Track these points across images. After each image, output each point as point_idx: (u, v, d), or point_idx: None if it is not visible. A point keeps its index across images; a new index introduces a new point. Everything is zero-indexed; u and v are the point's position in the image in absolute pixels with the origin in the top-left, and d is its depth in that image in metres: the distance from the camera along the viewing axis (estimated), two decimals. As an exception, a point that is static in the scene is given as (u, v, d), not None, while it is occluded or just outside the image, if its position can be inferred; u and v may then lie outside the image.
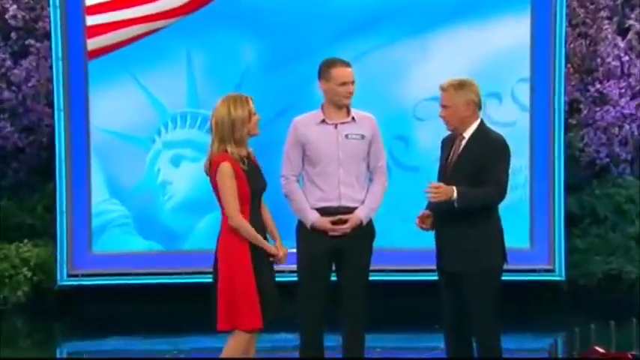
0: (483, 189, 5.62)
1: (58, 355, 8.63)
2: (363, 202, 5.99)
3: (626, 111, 10.19)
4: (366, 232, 6.01)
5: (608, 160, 10.24)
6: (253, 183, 5.59)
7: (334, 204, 5.95)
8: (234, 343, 5.58)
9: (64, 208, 9.50)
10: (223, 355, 5.60)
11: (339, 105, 5.98)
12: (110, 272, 9.53)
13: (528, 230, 9.45)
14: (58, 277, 9.54)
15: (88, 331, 9.17)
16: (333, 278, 6.08)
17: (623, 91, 10.25)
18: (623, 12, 10.50)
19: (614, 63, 10.25)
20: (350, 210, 5.95)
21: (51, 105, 9.79)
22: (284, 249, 5.71)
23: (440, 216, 5.74)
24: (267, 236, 5.72)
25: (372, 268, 6.08)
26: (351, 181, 5.97)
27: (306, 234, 5.96)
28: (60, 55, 9.45)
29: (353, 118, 6.01)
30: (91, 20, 9.15)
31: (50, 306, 9.67)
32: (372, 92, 8.67)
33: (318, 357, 6.04)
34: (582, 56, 10.37)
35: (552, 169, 9.45)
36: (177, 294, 9.32)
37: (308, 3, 9.54)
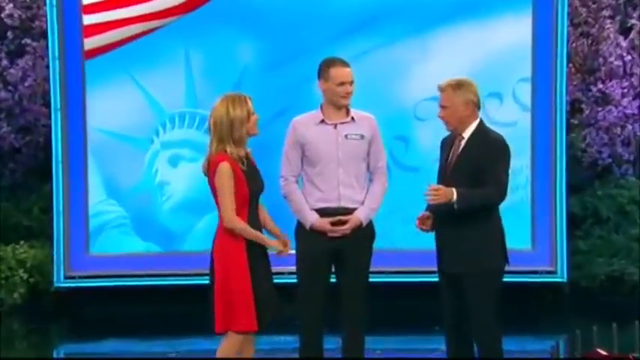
0: (483, 190, 5.61)
1: (54, 357, 8.61)
2: (362, 203, 5.96)
3: (628, 111, 10.20)
4: (365, 233, 5.98)
5: (610, 160, 10.24)
6: (252, 184, 5.56)
7: (334, 205, 5.92)
8: (227, 345, 5.54)
9: (61, 209, 9.49)
10: (217, 356, 5.56)
11: (337, 105, 5.95)
12: (107, 274, 9.53)
13: (530, 231, 9.45)
14: (55, 279, 9.53)
15: (85, 333, 9.18)
16: (333, 279, 6.05)
17: (625, 90, 10.26)
18: (626, 11, 10.50)
19: (616, 62, 10.25)
20: (349, 211, 5.92)
21: (48, 105, 9.80)
22: (287, 241, 5.70)
23: (440, 217, 5.72)
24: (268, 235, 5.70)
25: (371, 269, 6.05)
26: (350, 181, 5.94)
27: (305, 235, 5.92)
28: (57, 54, 9.46)
29: (352, 118, 5.99)
30: (88, 19, 9.10)
31: (47, 308, 9.67)
32: (372, 92, 8.68)
33: (317, 358, 6.01)
34: (584, 56, 10.36)
35: (554, 169, 9.45)
36: (176, 295, 9.32)
37: (307, 2, 9.55)
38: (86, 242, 9.53)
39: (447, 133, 5.88)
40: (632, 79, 10.26)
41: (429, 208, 5.78)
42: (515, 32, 9.42)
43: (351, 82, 5.94)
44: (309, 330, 5.98)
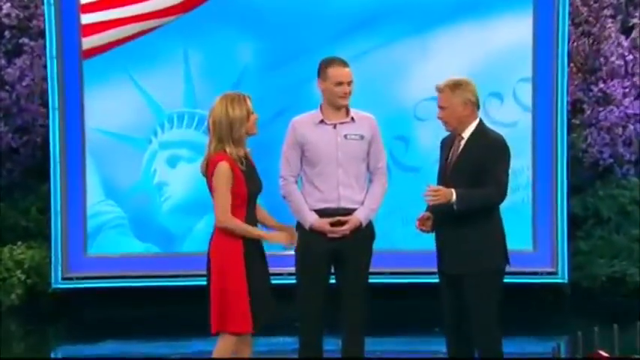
0: (483, 190, 5.62)
1: (52, 359, 8.61)
2: (362, 204, 5.95)
3: (629, 111, 10.19)
4: (365, 233, 5.98)
5: (611, 160, 10.22)
6: (251, 184, 5.54)
7: (333, 205, 5.91)
8: (222, 346, 5.52)
9: (59, 210, 9.46)
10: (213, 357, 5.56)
11: (335, 105, 5.95)
12: (105, 275, 9.50)
13: (531, 232, 9.44)
14: (53, 280, 9.50)
15: (83, 334, 9.16)
16: (333, 280, 6.03)
17: (627, 90, 10.24)
18: (627, 10, 10.50)
19: (617, 62, 10.24)
20: (349, 211, 5.91)
21: (45, 105, 9.77)
22: (292, 230, 5.68)
23: (440, 218, 5.72)
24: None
25: (371, 270, 6.04)
26: (350, 182, 5.93)
27: (304, 235, 5.88)
28: (54, 53, 9.44)
29: (352, 119, 5.98)
30: (86, 19, 9.02)
31: (44, 309, 9.64)
32: (372, 92, 8.70)
33: (317, 359, 6.00)
34: (585, 55, 10.35)
35: (555, 170, 9.43)
36: (175, 297, 9.30)
37: (307, 2, 9.54)
38: (84, 243, 9.50)
39: (446, 133, 5.87)
40: (634, 79, 10.25)
41: (429, 208, 5.77)
42: (515, 32, 9.41)
43: (350, 83, 5.93)
44: (309, 331, 5.97)
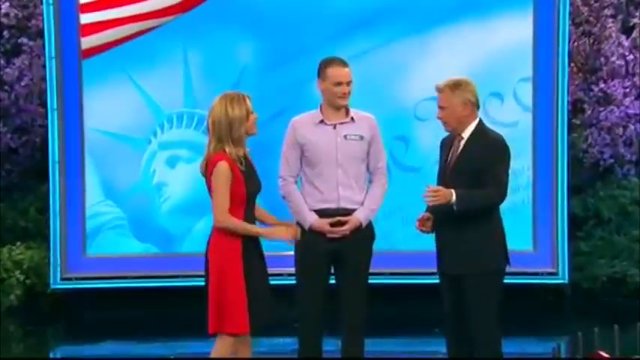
0: (483, 191, 5.61)
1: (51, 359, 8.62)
2: (362, 204, 5.94)
3: (630, 111, 10.17)
4: (365, 234, 5.96)
5: (612, 161, 10.20)
6: (250, 185, 5.52)
7: (333, 205, 5.90)
8: (220, 347, 5.50)
9: (58, 210, 9.44)
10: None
11: (334, 106, 5.94)
12: (104, 275, 9.47)
13: (531, 233, 9.41)
14: (52, 281, 9.48)
15: (81, 335, 9.16)
16: (332, 281, 6.03)
17: (627, 90, 10.23)
18: (628, 10, 10.49)
19: (618, 62, 10.23)
20: (349, 212, 5.90)
21: (44, 105, 9.75)
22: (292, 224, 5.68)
23: (440, 218, 5.72)
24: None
25: (371, 270, 6.03)
26: (349, 182, 5.92)
27: (304, 236, 5.84)
28: (53, 53, 9.41)
29: (352, 119, 5.97)
30: (85, 18, 9.05)
31: (43, 310, 9.64)
32: (372, 92, 8.71)
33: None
34: (586, 55, 10.34)
35: (555, 170, 9.41)
36: (174, 297, 9.29)
37: (307, 1, 9.51)
38: (83, 243, 9.48)
39: (447, 134, 5.87)
40: (635, 79, 10.24)
41: (429, 209, 5.77)
42: (516, 31, 9.38)
43: (349, 83, 5.91)
44: (308, 332, 5.97)
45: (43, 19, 9.55)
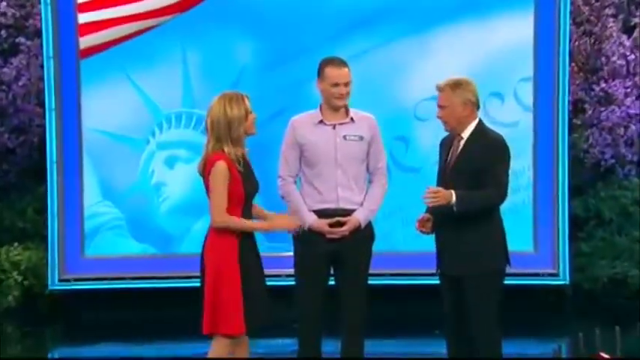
0: (483, 191, 5.60)
1: (49, 361, 8.63)
2: (361, 205, 5.92)
3: (631, 111, 10.16)
4: (365, 234, 5.95)
5: (613, 161, 10.19)
6: (248, 185, 5.49)
7: (332, 206, 5.89)
8: (217, 348, 5.48)
9: (56, 211, 9.43)
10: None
11: (332, 106, 5.93)
12: (103, 276, 9.45)
13: (532, 233, 9.39)
14: (50, 282, 9.46)
15: (80, 336, 9.16)
16: (332, 282, 6.02)
17: (628, 90, 10.22)
18: (629, 9, 10.48)
19: (619, 62, 10.22)
20: (348, 212, 5.89)
21: (42, 105, 9.74)
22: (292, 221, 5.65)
23: (439, 219, 5.71)
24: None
25: (371, 271, 6.02)
26: (349, 183, 5.91)
27: (303, 236, 5.85)
28: (51, 53, 9.39)
29: (352, 119, 5.96)
30: (83, 18, 9.05)
31: (41, 311, 9.62)
32: (371, 92, 8.71)
33: (315, 361, 6.01)
34: (587, 55, 10.33)
35: (556, 170, 9.39)
36: (172, 298, 9.25)
37: (307, 1, 9.50)
38: (81, 244, 9.46)
39: (447, 134, 5.86)
40: (636, 79, 10.23)
41: (429, 210, 5.76)
42: (516, 31, 9.37)
43: (347, 83, 5.90)
44: (308, 332, 5.96)
45: (40, 19, 9.53)
